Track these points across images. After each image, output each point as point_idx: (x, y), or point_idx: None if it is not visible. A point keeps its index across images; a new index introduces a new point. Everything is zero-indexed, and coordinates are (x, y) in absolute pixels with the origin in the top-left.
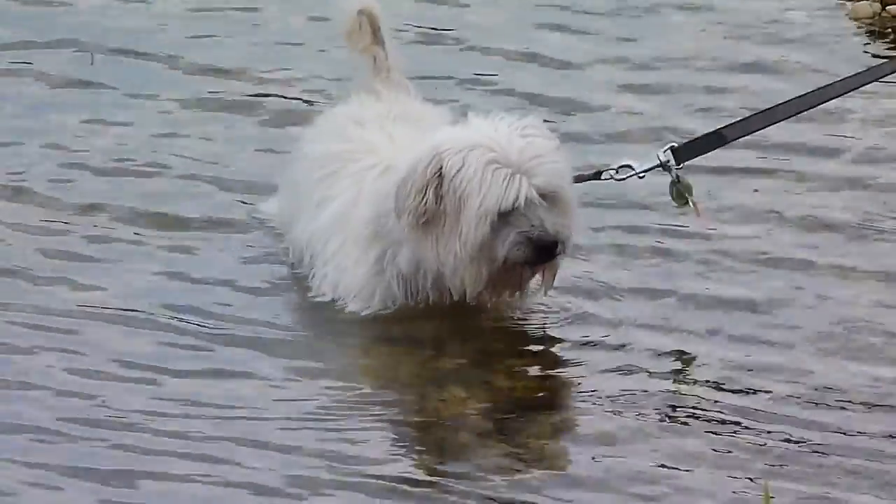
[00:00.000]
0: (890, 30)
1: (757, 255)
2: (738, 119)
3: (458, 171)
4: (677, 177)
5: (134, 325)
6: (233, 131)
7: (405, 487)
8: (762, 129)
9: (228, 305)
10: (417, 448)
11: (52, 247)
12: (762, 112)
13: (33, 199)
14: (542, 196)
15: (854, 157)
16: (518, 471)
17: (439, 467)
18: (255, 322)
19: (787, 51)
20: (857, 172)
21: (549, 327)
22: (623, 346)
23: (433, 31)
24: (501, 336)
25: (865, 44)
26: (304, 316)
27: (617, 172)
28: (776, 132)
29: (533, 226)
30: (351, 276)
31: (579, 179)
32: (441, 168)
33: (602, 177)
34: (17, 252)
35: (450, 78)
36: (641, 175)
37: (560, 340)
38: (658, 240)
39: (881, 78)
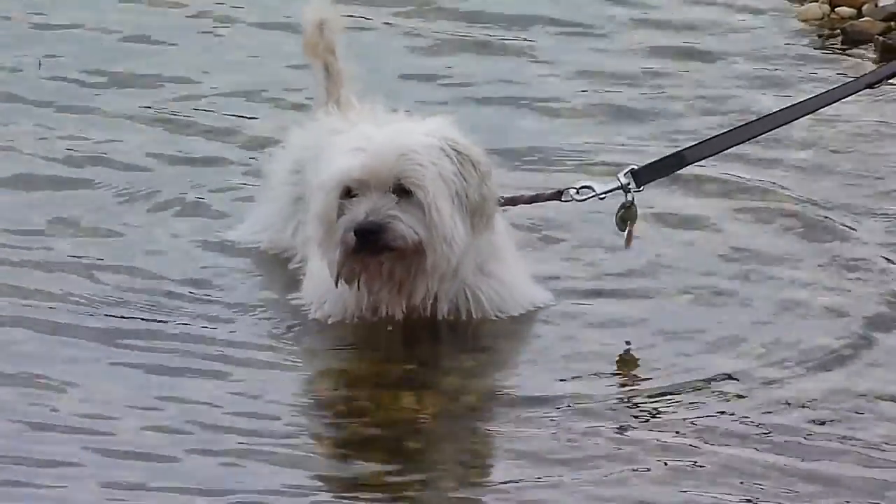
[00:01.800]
0: (839, 31)
1: None
2: (699, 141)
3: (315, 157)
4: (630, 201)
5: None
6: None
7: (357, 494)
8: (723, 150)
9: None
10: (368, 452)
11: None
12: (722, 134)
13: None
14: (398, 192)
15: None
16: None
17: (390, 470)
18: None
19: (735, 55)
20: None
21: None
22: (573, 349)
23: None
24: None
25: (815, 47)
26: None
27: (578, 193)
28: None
29: (365, 211)
30: (310, 283)
31: (539, 199)
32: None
33: (563, 198)
34: None
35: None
36: (602, 196)
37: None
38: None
39: (841, 99)
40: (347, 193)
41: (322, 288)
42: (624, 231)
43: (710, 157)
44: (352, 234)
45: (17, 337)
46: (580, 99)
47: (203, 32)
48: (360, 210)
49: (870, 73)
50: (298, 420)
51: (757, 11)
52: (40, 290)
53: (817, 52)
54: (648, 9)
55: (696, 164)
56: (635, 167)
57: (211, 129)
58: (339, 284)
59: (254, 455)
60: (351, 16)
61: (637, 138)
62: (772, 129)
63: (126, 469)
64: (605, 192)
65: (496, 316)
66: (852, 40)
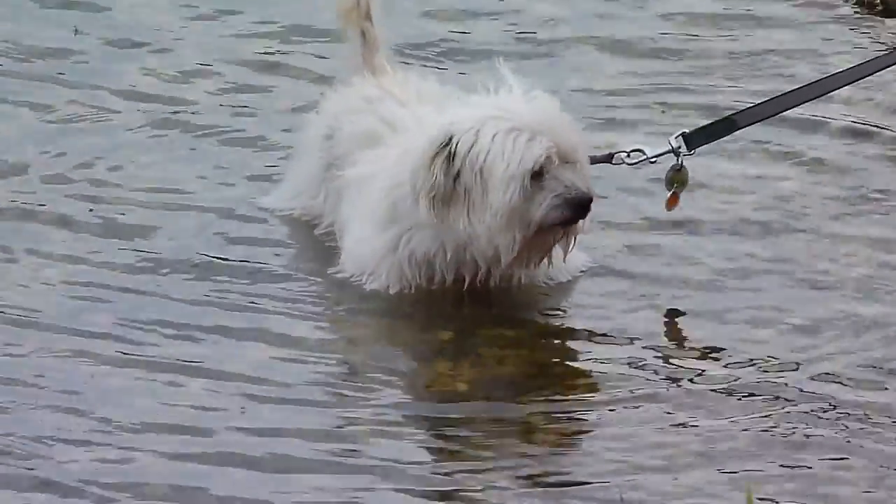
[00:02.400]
0: (879, 1)
1: None
2: (750, 105)
3: (473, 145)
4: (680, 165)
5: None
6: None
7: (395, 465)
8: (774, 115)
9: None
10: (405, 424)
11: None
12: (773, 99)
13: None
14: (563, 157)
15: None
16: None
17: (428, 445)
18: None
19: (775, 16)
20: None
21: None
22: (615, 329)
23: None
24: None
25: (854, 15)
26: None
27: (629, 156)
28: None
29: (566, 186)
30: (364, 254)
31: (591, 161)
32: (451, 146)
33: (613, 161)
34: None
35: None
36: (653, 160)
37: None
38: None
39: (891, 66)
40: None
41: (376, 258)
42: (670, 192)
43: (761, 122)
44: (567, 208)
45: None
46: (619, 65)
47: None
48: (564, 184)
49: None
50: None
51: None
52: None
53: (856, 21)
54: None
55: (746, 127)
56: (686, 131)
57: None
58: (505, 261)
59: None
60: None
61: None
62: (821, 95)
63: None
64: (657, 155)
65: (545, 283)
66: (891, 9)
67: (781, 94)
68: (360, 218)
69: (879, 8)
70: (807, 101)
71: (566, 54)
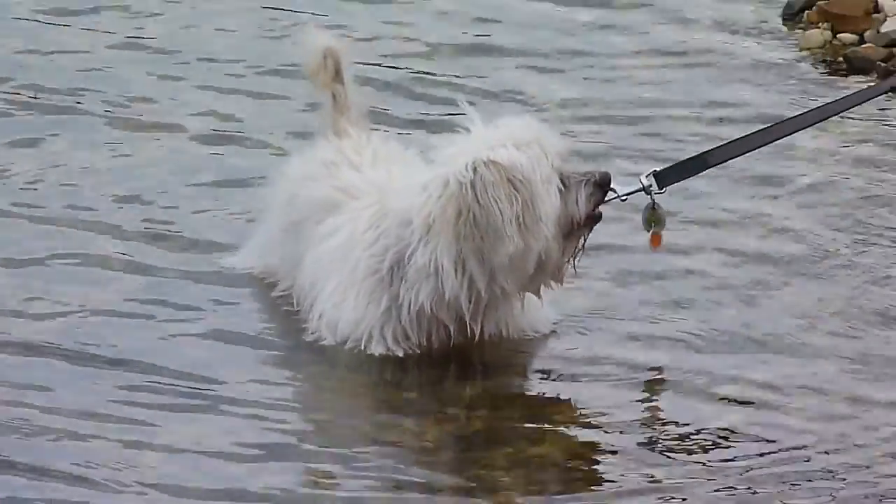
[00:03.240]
0: (841, 58)
1: None
2: (721, 143)
3: (498, 166)
4: (653, 203)
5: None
6: None
7: None
8: (745, 153)
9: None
10: (372, 475)
11: None
12: (743, 138)
13: None
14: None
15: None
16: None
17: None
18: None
19: (740, 80)
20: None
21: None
22: (584, 374)
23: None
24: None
25: (818, 73)
26: (273, 353)
27: None
28: None
29: (584, 174)
30: (354, 317)
31: None
32: (475, 175)
33: None
34: None
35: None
36: (624, 198)
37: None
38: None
39: (858, 104)
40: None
41: (371, 323)
42: (649, 232)
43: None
44: (599, 190)
45: None
46: (585, 126)
47: None
48: (579, 176)
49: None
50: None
51: (759, 37)
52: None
53: (820, 79)
54: (648, 35)
55: (717, 165)
56: (657, 169)
57: None
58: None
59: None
60: None
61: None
62: (792, 133)
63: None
64: (627, 194)
65: (530, 335)
66: (855, 67)
67: (751, 133)
68: (338, 284)
69: (843, 67)
70: (776, 140)
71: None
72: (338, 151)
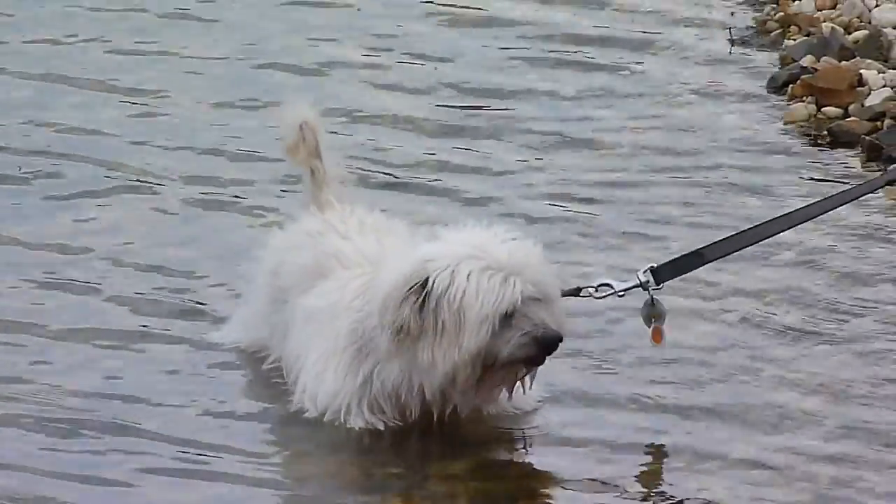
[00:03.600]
0: (826, 132)
1: None
2: (719, 239)
3: (450, 283)
4: (652, 300)
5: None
6: None
7: None
8: (742, 248)
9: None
10: None
11: None
12: (740, 233)
13: None
14: (535, 295)
15: None
16: None
17: None
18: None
19: (724, 154)
20: None
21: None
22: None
23: None
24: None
25: (802, 147)
26: (257, 426)
27: (596, 290)
28: None
29: (535, 325)
30: (333, 390)
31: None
32: (425, 284)
33: (581, 294)
34: None
35: None
36: (621, 294)
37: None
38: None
39: (860, 197)
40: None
41: (348, 395)
42: (650, 328)
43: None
44: (535, 346)
45: None
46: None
47: None
48: (531, 322)
49: (891, 169)
50: None
51: (743, 112)
52: None
53: (804, 152)
54: (631, 110)
55: (714, 261)
56: (654, 265)
57: None
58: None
59: None
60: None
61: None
62: (789, 228)
63: None
64: (624, 290)
65: (513, 412)
66: (839, 140)
67: (749, 228)
68: (320, 354)
69: (828, 140)
70: (773, 235)
71: None
72: (323, 222)
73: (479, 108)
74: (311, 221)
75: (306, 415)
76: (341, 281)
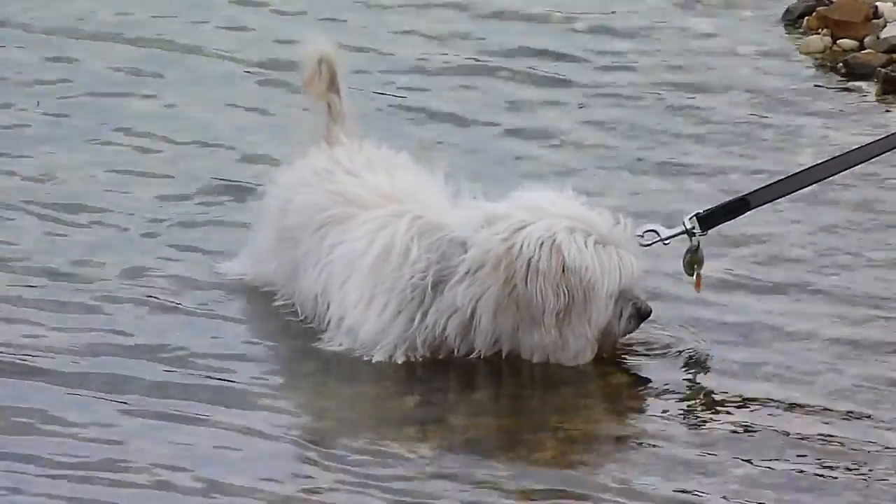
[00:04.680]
0: (841, 64)
1: None
2: (763, 185)
3: (578, 257)
4: (696, 246)
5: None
6: None
7: None
8: (787, 194)
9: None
10: (371, 484)
11: None
12: (785, 179)
13: None
14: None
15: None
16: None
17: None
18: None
19: (741, 86)
20: None
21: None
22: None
23: None
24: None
25: (818, 80)
26: (278, 352)
27: (642, 237)
28: None
29: (637, 298)
30: (380, 325)
31: None
32: (531, 256)
33: None
34: None
35: None
36: (667, 241)
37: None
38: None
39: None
40: None
41: (391, 332)
42: (692, 275)
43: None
44: (637, 319)
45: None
46: (585, 132)
47: None
48: (633, 297)
49: None
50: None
51: (759, 44)
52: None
53: (820, 85)
54: (649, 44)
55: (759, 207)
56: (700, 212)
57: None
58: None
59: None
60: None
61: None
62: (834, 175)
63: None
64: (671, 237)
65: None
66: (854, 73)
67: (793, 174)
68: (364, 291)
69: (843, 72)
70: (818, 181)
71: None
72: (330, 159)
73: None
74: (318, 158)
75: (338, 348)
76: (376, 223)
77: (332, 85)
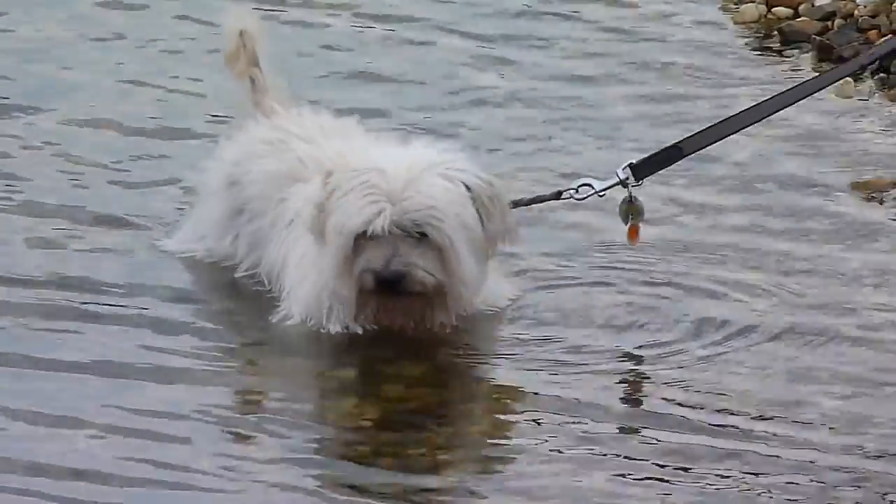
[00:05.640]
0: (776, 32)
1: None
2: (695, 132)
3: (335, 191)
4: (630, 197)
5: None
6: None
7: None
8: (719, 140)
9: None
10: (307, 457)
11: None
12: (718, 123)
13: None
14: (417, 232)
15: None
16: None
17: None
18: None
19: (674, 57)
20: None
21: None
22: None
23: None
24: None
25: (753, 48)
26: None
27: (577, 191)
28: None
29: (385, 258)
30: (304, 294)
31: (539, 200)
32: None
33: (562, 196)
34: None
35: None
36: (601, 193)
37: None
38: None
39: (832, 83)
40: (364, 234)
41: (320, 302)
42: (627, 225)
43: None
44: (371, 277)
45: None
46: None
47: None
48: (379, 254)
49: (864, 54)
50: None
51: (693, 13)
52: None
53: (755, 53)
54: (581, 12)
55: (692, 154)
56: (633, 162)
57: None
58: (355, 319)
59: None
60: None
61: (578, 143)
62: (763, 118)
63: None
64: (604, 189)
65: (488, 310)
66: (789, 40)
67: (723, 120)
68: (301, 259)
69: (777, 40)
70: (748, 126)
71: None
72: (278, 128)
73: None
74: (262, 130)
75: (290, 321)
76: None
77: (255, 58)
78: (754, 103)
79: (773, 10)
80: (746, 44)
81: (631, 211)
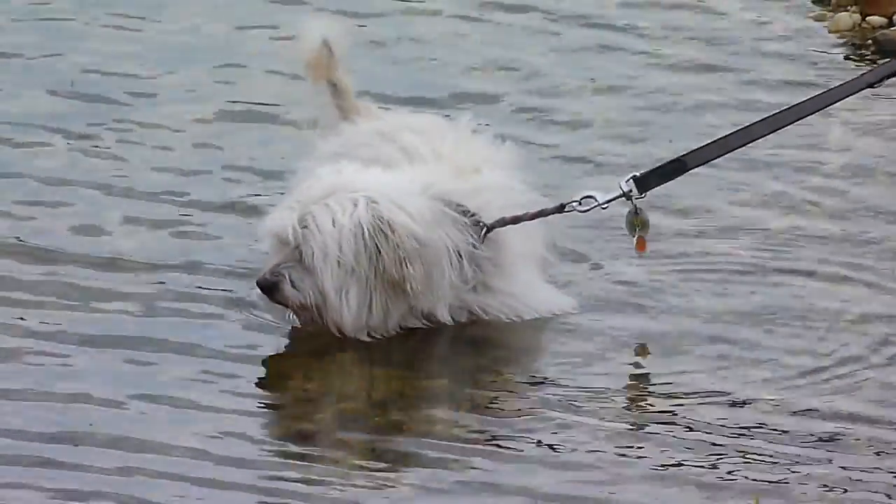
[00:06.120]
0: (870, 41)
1: None
2: (700, 146)
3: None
4: (636, 209)
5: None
6: None
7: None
8: (721, 156)
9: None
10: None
11: None
12: (723, 138)
13: None
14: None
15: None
16: None
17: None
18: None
19: (768, 65)
20: None
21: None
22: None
23: None
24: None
25: (847, 57)
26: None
27: (580, 204)
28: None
29: (273, 266)
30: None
31: (543, 214)
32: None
33: (565, 209)
34: None
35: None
36: (604, 206)
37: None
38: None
39: (842, 99)
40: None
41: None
42: (634, 237)
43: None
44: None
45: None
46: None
47: None
48: (272, 260)
49: (869, 72)
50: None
51: (786, 21)
52: None
53: (849, 62)
54: (668, 19)
55: (696, 168)
56: (637, 174)
57: None
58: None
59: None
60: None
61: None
62: (772, 132)
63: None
64: (607, 202)
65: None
66: (883, 49)
67: (729, 134)
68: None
69: (871, 50)
70: (754, 140)
71: None
72: (386, 123)
73: None
74: (373, 124)
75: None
76: None
77: (336, 65)
78: (766, 115)
79: (868, 19)
80: (840, 52)
81: (637, 223)
